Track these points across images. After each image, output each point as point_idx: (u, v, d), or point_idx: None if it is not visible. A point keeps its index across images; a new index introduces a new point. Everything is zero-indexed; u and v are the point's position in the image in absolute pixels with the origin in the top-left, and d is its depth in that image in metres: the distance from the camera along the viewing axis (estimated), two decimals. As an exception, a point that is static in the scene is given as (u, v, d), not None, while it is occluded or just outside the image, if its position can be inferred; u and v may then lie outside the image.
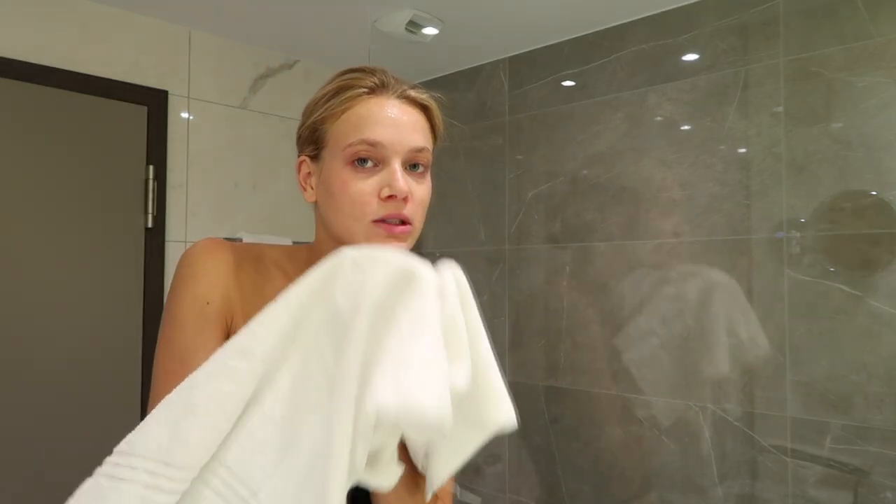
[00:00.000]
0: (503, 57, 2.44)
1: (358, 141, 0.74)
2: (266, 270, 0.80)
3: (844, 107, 1.67)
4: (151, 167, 2.07)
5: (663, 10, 2.00)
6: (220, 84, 2.27)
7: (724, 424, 1.83)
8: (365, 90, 0.76)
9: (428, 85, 3.03)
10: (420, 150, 0.76)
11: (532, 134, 2.34)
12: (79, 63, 1.95)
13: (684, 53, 1.96)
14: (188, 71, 2.20)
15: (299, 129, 0.82)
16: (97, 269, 1.97)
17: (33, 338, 1.84)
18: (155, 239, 2.08)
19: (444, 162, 2.64)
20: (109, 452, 0.60)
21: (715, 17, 1.90)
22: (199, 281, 0.75)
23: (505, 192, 2.41)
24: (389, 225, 0.74)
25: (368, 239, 0.74)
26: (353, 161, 0.74)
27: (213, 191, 2.24)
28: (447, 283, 0.64)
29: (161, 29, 2.13)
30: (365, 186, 0.74)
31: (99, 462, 0.60)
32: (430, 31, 2.16)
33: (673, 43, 1.98)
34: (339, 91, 0.77)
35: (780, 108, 1.77)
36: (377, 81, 0.77)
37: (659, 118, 2.01)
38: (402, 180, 0.74)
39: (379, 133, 0.74)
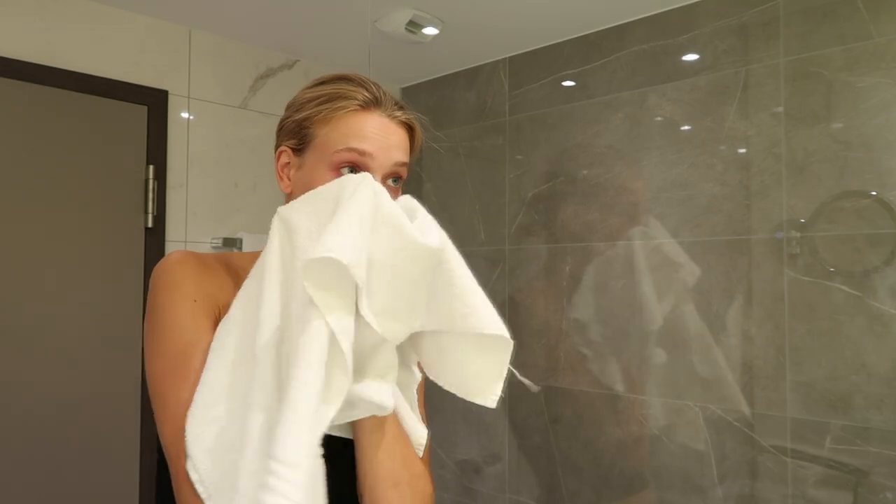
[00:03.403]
0: (503, 57, 2.44)
1: (347, 149, 0.79)
2: (235, 273, 0.84)
3: (844, 107, 1.67)
4: (151, 167, 2.07)
5: (663, 10, 2.00)
6: (220, 84, 2.27)
7: (724, 424, 1.83)
8: (358, 103, 0.81)
9: (428, 85, 2.99)
10: (402, 164, 0.83)
11: (532, 134, 2.34)
12: (79, 63, 1.95)
13: (684, 53, 1.96)
14: (188, 71, 2.20)
15: (283, 119, 0.86)
16: (97, 269, 1.97)
17: (32, 337, 1.83)
18: (155, 239, 2.08)
19: (444, 162, 2.64)
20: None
21: (715, 17, 1.89)
22: (180, 284, 0.78)
23: (505, 192, 2.41)
24: None
25: None
26: (339, 169, 0.79)
27: (213, 191, 2.24)
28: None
29: (161, 29, 2.13)
30: None
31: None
32: (430, 31, 2.16)
33: (673, 43, 1.98)
34: (332, 98, 0.81)
35: (780, 109, 1.77)
36: (370, 96, 0.81)
37: (659, 118, 2.01)
38: None
39: (368, 146, 0.79)
